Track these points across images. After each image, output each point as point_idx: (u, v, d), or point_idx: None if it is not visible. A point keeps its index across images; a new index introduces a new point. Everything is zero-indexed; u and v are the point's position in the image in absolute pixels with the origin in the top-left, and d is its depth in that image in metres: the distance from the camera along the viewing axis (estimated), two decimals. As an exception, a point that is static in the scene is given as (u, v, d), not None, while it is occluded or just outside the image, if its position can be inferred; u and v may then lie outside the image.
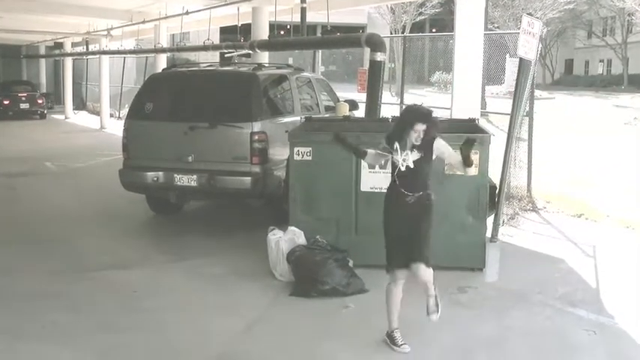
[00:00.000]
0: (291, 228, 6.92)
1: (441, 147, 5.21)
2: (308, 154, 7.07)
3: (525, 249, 8.00)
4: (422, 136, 5.06)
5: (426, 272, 5.04)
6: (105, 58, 25.11)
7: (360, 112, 10.83)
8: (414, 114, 5.20)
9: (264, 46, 12.87)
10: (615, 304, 6.13)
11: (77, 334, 5.47)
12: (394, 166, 5.14)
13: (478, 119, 8.12)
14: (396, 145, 5.09)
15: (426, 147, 5.12)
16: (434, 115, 5.26)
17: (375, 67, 9.50)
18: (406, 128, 5.08)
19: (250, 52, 13.71)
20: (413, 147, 5.09)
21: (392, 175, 5.20)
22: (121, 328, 5.62)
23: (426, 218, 5.15)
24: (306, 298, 6.20)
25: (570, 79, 58.25)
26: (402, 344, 5.18)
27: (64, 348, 5.22)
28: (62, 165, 14.93)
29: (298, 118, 8.62)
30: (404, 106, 13.74)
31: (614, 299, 6.29)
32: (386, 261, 5.21)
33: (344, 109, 10.32)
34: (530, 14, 9.68)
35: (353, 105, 11.08)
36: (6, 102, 27.83)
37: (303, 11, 12.13)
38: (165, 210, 9.64)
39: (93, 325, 5.68)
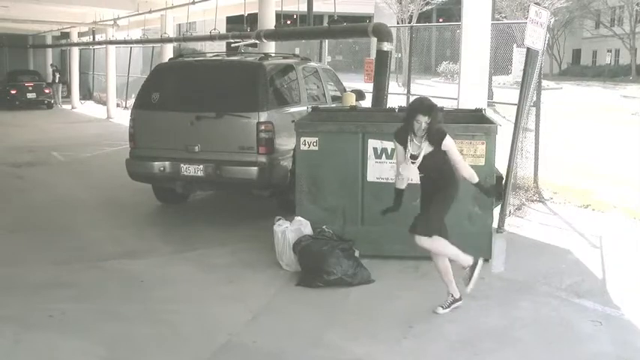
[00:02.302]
0: (298, 218, 6.93)
1: (449, 145, 5.50)
2: (314, 144, 7.06)
3: (532, 239, 7.98)
4: (424, 127, 5.40)
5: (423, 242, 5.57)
6: (111, 47, 25.10)
7: (367, 102, 10.82)
8: (416, 106, 5.58)
9: (270, 35, 12.85)
10: (621, 296, 6.12)
11: (84, 324, 5.50)
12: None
13: (485, 109, 8.10)
14: (410, 136, 5.51)
15: (434, 141, 5.45)
16: (436, 107, 5.58)
17: (382, 57, 9.49)
18: (410, 119, 5.47)
19: (257, 41, 13.68)
20: (423, 139, 5.47)
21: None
22: (128, 317, 5.65)
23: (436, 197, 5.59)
24: (312, 288, 6.21)
25: (578, 70, 58.07)
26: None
27: (71, 337, 5.25)
28: (69, 155, 14.95)
29: (305, 108, 8.61)
30: (412, 97, 13.75)
31: (621, 290, 6.28)
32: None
33: (351, 99, 10.29)
34: (537, 4, 9.63)
35: (360, 95, 11.06)
36: (13, 92, 27.84)
37: (309, 1, 12.10)
38: (171, 200, 9.66)
39: (100, 314, 5.70)
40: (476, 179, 5.64)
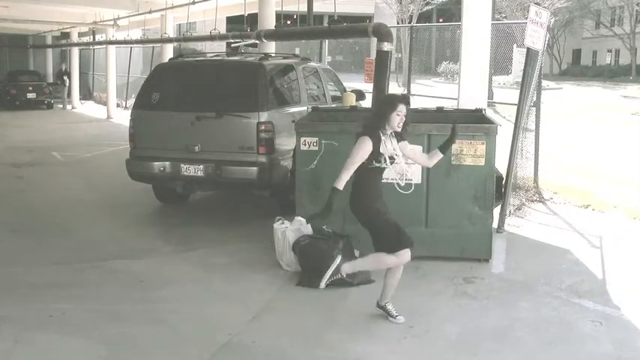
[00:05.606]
0: (298, 218, 6.92)
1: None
2: (314, 144, 7.06)
3: (532, 240, 7.99)
4: (404, 120, 5.28)
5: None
6: (111, 48, 25.08)
7: (367, 102, 10.82)
8: (396, 97, 5.47)
9: (270, 35, 12.82)
10: (621, 296, 6.12)
11: (85, 324, 5.49)
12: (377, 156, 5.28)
13: (485, 109, 8.10)
14: (382, 135, 5.27)
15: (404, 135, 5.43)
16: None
17: (382, 57, 9.45)
18: (388, 113, 5.27)
19: (257, 41, 13.67)
20: (396, 135, 5.36)
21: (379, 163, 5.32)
22: (128, 317, 5.65)
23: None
24: (312, 289, 6.20)
25: (578, 70, 58.08)
26: (397, 315, 5.49)
27: (71, 337, 5.25)
28: (69, 155, 14.95)
29: (305, 108, 8.62)
30: (412, 98, 13.73)
31: (621, 290, 6.28)
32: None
33: (351, 99, 10.30)
34: (537, 4, 9.63)
35: (360, 95, 11.06)
36: (13, 91, 27.82)
37: (309, 1, 12.08)
38: (171, 200, 9.66)
39: (100, 314, 5.70)
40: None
